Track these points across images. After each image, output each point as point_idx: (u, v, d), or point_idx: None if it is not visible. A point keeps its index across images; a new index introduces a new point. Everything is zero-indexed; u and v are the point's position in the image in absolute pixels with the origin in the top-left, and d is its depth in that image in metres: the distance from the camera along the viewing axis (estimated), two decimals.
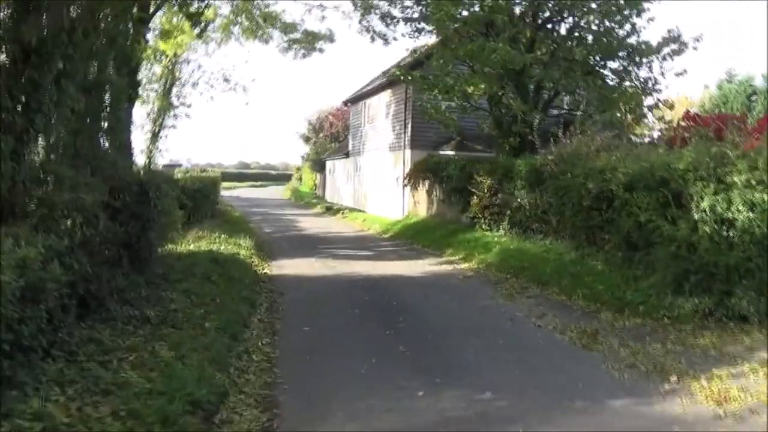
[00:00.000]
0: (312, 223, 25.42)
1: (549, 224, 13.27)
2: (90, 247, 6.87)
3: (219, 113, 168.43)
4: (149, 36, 26.03)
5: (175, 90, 32.98)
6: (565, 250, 12.25)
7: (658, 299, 9.07)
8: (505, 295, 10.79)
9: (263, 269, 13.71)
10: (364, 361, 6.98)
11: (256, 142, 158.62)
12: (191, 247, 13.77)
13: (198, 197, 18.12)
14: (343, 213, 28.76)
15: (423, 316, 9.33)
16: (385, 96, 26.41)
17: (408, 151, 23.30)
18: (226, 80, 32.10)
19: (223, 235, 15.82)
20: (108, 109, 9.10)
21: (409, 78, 16.30)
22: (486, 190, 15.74)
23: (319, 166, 43.77)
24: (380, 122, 27.32)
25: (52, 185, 6.72)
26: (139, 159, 31.28)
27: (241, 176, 77.77)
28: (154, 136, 32.01)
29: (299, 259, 15.26)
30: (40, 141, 6.76)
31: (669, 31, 15.01)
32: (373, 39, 18.63)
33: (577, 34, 15.49)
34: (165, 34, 18.67)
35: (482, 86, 14.70)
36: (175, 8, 20.13)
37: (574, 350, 7.61)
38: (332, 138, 47.29)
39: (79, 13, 6.91)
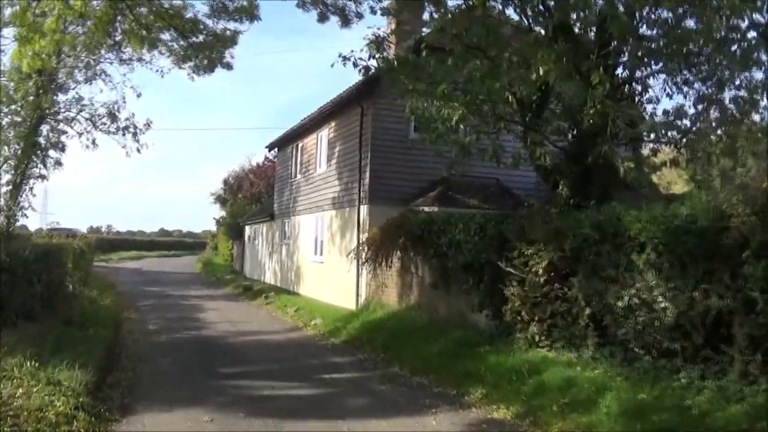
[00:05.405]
0: (221, 314, 17.38)
1: (730, 346, 6.05)
2: None
3: (140, 178, 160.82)
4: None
5: (45, 128, 24.71)
6: None
7: None
8: None
9: None
10: None
11: (178, 209, 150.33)
12: None
13: (3, 281, 9.88)
14: (266, 296, 20.64)
15: None
16: (328, 131, 18.92)
17: (365, 208, 15.79)
18: (113, 117, 24.12)
19: (29, 363, 7.72)
20: None
21: (394, 66, 8.83)
22: (542, 272, 8.38)
23: (236, 232, 35.66)
24: (320, 169, 19.71)
25: None
26: None
27: (153, 245, 72.91)
28: (15, 188, 23.31)
29: (179, 413, 7.40)
30: None
31: None
32: (323, 16, 11.57)
33: None
34: None
35: (550, 71, 7.54)
36: None
37: None
38: (253, 199, 39.73)
39: None
